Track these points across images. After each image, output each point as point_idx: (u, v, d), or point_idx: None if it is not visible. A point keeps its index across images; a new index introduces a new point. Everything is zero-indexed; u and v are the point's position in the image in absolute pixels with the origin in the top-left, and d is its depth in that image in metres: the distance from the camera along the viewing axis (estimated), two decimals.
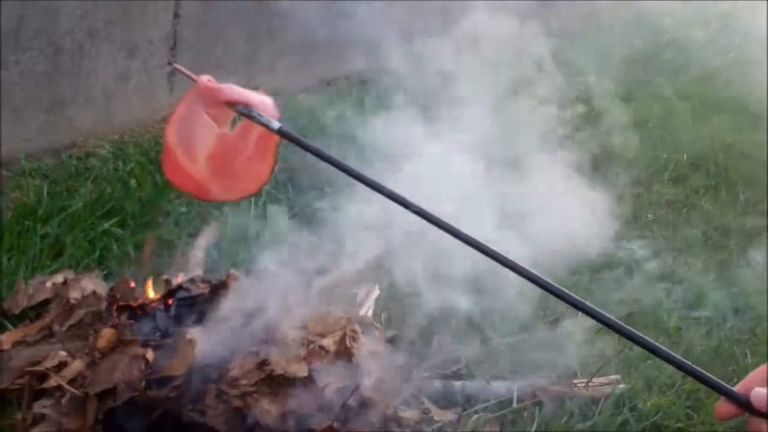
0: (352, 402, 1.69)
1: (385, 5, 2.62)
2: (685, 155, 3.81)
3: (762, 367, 0.84)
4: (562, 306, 2.11)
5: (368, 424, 1.69)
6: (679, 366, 0.91)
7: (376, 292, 2.12)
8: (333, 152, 1.22)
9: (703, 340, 2.29)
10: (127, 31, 3.20)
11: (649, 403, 1.96)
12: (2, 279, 2.14)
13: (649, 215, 3.16)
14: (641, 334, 0.95)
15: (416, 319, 1.97)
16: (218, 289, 1.94)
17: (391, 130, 2.05)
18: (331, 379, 1.72)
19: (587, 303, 1.00)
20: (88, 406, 1.62)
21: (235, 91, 1.33)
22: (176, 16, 3.40)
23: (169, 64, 3.26)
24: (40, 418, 1.63)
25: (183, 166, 1.36)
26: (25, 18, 2.78)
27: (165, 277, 2.03)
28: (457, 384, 1.92)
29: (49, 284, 2.06)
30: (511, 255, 1.07)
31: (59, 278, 2.08)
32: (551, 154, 2.19)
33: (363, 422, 1.69)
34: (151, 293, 2.01)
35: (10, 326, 1.96)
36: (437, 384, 1.91)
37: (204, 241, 2.34)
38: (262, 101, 1.32)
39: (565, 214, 2.00)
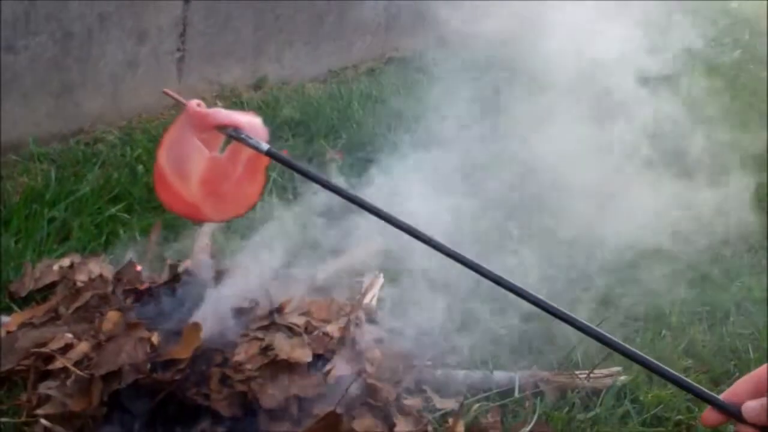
0: (354, 388, 1.70)
1: None
2: None
3: (748, 376, 0.85)
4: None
5: (371, 411, 1.70)
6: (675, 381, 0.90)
7: (381, 280, 2.13)
8: None
9: None
10: (137, 17, 3.21)
11: (650, 396, 1.96)
12: (9, 262, 2.16)
13: None
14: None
15: (420, 307, 1.98)
16: (222, 274, 1.95)
17: None
18: (334, 365, 1.74)
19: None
20: (93, 387, 1.63)
21: (223, 114, 1.33)
22: (186, 2, 3.41)
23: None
24: (45, 399, 1.64)
25: (175, 190, 1.38)
26: (35, 3, 2.79)
27: (170, 261, 2.05)
28: (460, 373, 1.93)
29: (55, 267, 2.08)
30: None
31: (66, 261, 2.10)
32: None
33: (365, 409, 1.71)
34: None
35: (16, 308, 1.97)
36: (439, 373, 1.92)
37: (210, 227, 2.35)
38: (251, 123, 1.32)
39: None
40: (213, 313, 1.80)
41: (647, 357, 0.93)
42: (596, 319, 2.05)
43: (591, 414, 1.89)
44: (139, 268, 2.02)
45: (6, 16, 2.70)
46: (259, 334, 1.76)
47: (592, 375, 1.96)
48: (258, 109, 3.57)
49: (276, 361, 1.69)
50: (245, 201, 1.41)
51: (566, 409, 1.89)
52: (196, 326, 1.71)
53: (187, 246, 2.26)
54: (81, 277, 1.98)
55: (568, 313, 0.98)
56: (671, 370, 0.91)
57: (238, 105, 3.62)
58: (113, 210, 2.49)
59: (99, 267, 2.03)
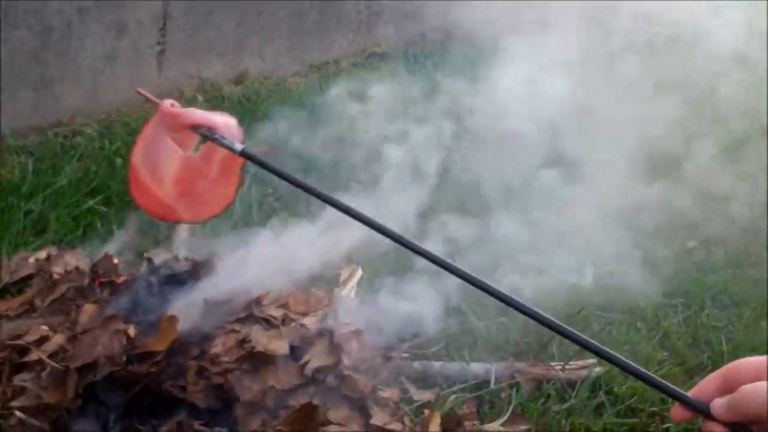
0: (331, 380, 1.71)
1: None
2: None
3: (716, 374, 0.86)
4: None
5: (347, 402, 1.71)
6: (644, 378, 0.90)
7: (359, 273, 2.14)
8: None
9: None
10: (117, 11, 3.20)
11: (624, 387, 1.98)
12: None
13: None
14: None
15: (398, 299, 1.99)
16: (200, 267, 1.95)
17: None
18: (311, 357, 1.74)
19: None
20: (68, 380, 1.62)
21: (197, 114, 1.32)
22: None
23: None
24: (20, 391, 1.64)
25: (150, 190, 1.37)
26: None
27: (148, 255, 2.04)
28: (436, 364, 1.94)
29: (32, 260, 2.07)
30: None
31: (42, 254, 2.09)
32: None
33: (342, 400, 1.71)
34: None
35: None
36: (416, 364, 1.93)
37: None
38: (226, 123, 1.31)
39: None
40: (190, 305, 1.80)
41: (619, 356, 0.93)
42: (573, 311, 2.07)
43: (566, 405, 1.91)
44: (116, 260, 2.01)
45: None
46: (236, 327, 1.76)
47: (567, 367, 1.98)
48: (238, 104, 3.56)
49: (253, 354, 1.69)
50: (220, 201, 1.40)
51: (542, 400, 1.91)
52: (173, 319, 1.71)
53: (165, 238, 2.25)
54: (57, 269, 1.97)
55: (539, 311, 0.97)
56: (639, 367, 0.91)
57: (219, 99, 3.61)
58: (91, 203, 2.48)
59: (75, 259, 2.02)
